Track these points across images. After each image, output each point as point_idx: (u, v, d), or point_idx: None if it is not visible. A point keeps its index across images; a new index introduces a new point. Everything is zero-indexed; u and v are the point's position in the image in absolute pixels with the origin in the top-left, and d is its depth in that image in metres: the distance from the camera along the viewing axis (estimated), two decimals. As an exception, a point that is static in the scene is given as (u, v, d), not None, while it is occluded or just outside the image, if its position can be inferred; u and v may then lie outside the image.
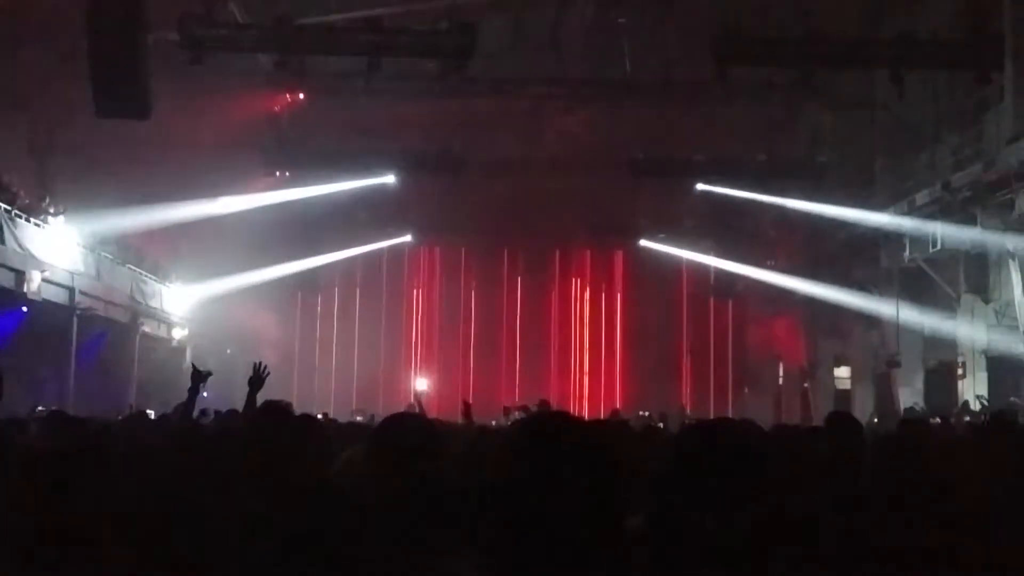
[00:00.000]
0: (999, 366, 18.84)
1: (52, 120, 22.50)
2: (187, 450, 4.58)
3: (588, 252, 33.12)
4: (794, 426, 7.83)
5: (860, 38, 19.67)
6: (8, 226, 18.16)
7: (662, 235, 29.96)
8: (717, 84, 19.87)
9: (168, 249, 25.95)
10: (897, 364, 22.36)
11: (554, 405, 17.83)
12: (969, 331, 19.86)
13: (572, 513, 1.65)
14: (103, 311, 22.12)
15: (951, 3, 19.90)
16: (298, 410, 4.48)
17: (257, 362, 5.90)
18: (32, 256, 18.76)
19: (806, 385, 28.19)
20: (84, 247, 21.30)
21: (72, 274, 20.54)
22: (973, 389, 19.60)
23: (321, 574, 2.83)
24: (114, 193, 21.64)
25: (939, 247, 19.90)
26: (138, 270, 24.38)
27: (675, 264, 30.47)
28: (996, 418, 7.73)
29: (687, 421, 13.81)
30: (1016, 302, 18.07)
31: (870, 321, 24.08)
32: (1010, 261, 18.24)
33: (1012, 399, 16.68)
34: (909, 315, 21.60)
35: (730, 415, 20.98)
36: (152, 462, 4.30)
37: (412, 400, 19.45)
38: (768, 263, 27.56)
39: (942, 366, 21.53)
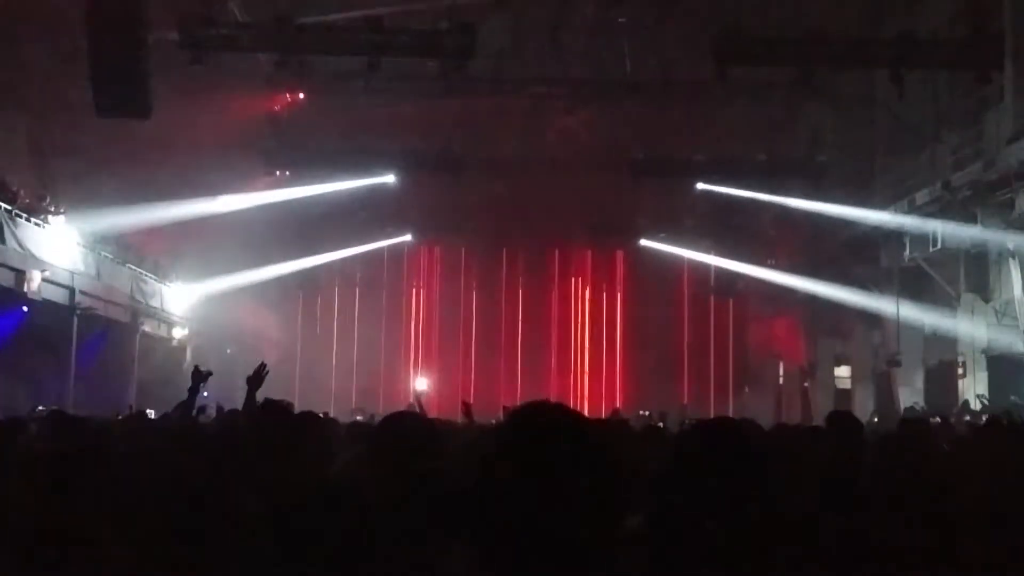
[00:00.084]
0: (999, 365, 18.83)
1: (52, 120, 22.47)
2: (187, 450, 4.58)
3: (588, 252, 33.13)
4: (794, 426, 7.80)
5: (860, 38, 19.69)
6: (8, 226, 18.15)
7: (662, 235, 29.95)
8: (717, 84, 19.88)
9: (168, 248, 25.91)
10: (897, 363, 22.35)
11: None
12: (969, 330, 19.85)
13: (572, 513, 1.65)
14: (103, 311, 22.09)
15: (951, 3, 19.90)
16: (299, 409, 4.48)
17: (261, 363, 5.91)
18: (32, 256, 18.75)
19: (806, 384, 28.18)
20: (84, 247, 21.27)
21: (72, 274, 20.51)
22: (973, 388, 19.61)
23: (321, 574, 2.83)
24: (114, 193, 21.62)
25: (939, 246, 19.91)
26: (138, 270, 24.35)
27: (675, 264, 30.49)
28: (996, 418, 7.73)
29: (687, 421, 13.79)
30: (1016, 301, 18.07)
31: (870, 321, 24.10)
32: (1010, 260, 18.26)
33: (1012, 398, 16.69)
34: (909, 314, 21.60)
35: (730, 415, 20.96)
36: (152, 462, 4.30)
37: (412, 400, 19.44)
38: (768, 262, 27.54)
39: (942, 365, 21.52)
